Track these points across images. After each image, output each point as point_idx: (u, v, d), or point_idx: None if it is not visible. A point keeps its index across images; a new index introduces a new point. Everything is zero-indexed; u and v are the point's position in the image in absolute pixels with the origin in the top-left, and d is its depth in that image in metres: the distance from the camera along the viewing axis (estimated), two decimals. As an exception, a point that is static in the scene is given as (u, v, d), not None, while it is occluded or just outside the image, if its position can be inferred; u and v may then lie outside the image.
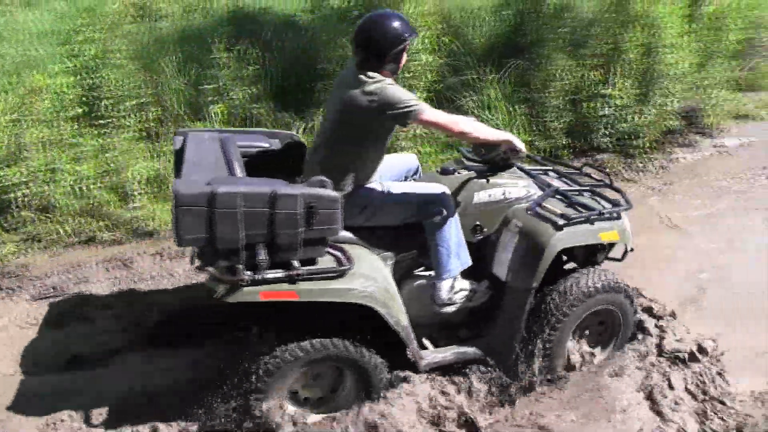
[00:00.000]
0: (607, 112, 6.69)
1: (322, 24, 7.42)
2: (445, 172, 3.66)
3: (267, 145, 3.58)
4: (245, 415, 3.01)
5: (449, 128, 3.24)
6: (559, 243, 3.40)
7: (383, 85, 3.10)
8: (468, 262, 3.47)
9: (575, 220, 3.43)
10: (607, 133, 6.80)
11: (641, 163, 6.90)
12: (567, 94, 6.72)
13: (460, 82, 6.71)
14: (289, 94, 7.08)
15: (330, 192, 2.80)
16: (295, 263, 2.81)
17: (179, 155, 3.19)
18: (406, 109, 3.08)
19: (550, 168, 4.07)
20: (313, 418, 3.22)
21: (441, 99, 6.63)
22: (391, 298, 3.13)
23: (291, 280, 2.82)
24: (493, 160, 3.57)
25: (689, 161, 7.18)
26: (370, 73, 3.14)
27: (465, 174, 3.61)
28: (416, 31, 3.38)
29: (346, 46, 6.75)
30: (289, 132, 3.92)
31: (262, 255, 2.71)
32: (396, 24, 3.16)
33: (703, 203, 6.16)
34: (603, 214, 3.52)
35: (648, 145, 7.02)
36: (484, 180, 3.58)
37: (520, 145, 3.38)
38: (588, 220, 3.48)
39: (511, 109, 6.49)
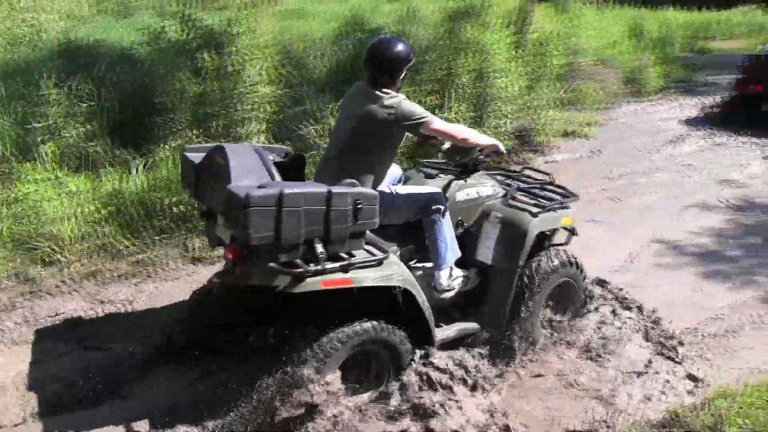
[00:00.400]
0: (445, 136, 6.97)
1: (159, 57, 7.25)
2: (429, 176, 4.23)
3: (271, 158, 3.69)
4: (303, 398, 3.21)
5: (454, 135, 3.80)
6: (536, 228, 4.05)
7: (399, 100, 3.61)
8: (459, 252, 3.95)
9: (545, 209, 4.12)
10: (446, 155, 7.08)
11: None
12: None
13: (301, 111, 6.74)
14: (126, 129, 6.85)
15: (372, 190, 3.31)
16: (343, 254, 3.19)
17: (199, 170, 3.54)
18: (420, 120, 3.60)
19: (497, 172, 4.66)
20: (361, 398, 3.57)
21: (282, 128, 6.64)
22: (415, 283, 3.56)
23: (344, 269, 3.18)
24: (464, 164, 4.05)
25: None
26: (385, 90, 3.63)
27: (445, 177, 4.18)
28: (415, 51, 3.88)
29: (184, 80, 6.64)
30: (284, 147, 4.17)
31: (320, 248, 3.06)
32: (402, 47, 3.69)
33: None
34: (562, 204, 4.25)
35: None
36: (462, 181, 4.10)
37: (503, 148, 3.99)
38: (552, 209, 4.18)
39: (353, 136, 6.60)
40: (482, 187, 4.21)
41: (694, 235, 6.38)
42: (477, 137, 3.88)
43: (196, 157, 3.64)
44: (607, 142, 9.43)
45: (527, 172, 4.84)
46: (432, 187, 4.01)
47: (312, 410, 3.24)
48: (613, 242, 6.10)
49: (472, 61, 7.28)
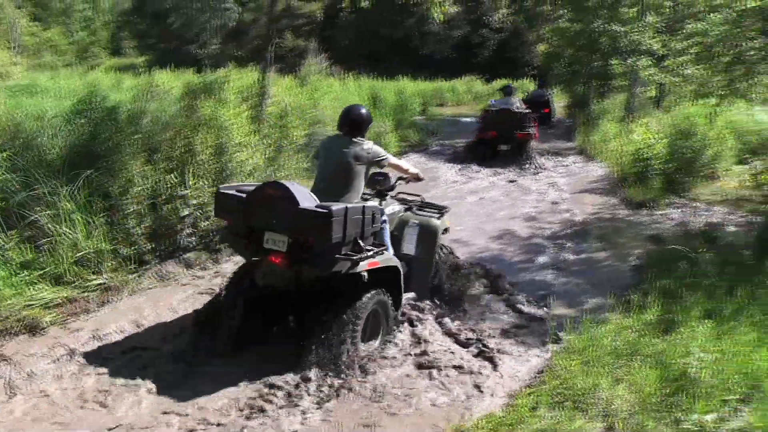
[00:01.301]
0: (187, 212, 6.91)
1: None
2: (365, 199, 5.54)
3: None
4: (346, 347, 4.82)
5: (402, 168, 5.84)
6: (441, 227, 6.15)
7: (371, 144, 5.35)
8: (393, 250, 5.53)
9: (441, 214, 6.22)
10: (191, 232, 7.01)
11: (230, 256, 7.26)
12: (146, 199, 6.79)
13: (31, 197, 6.34)
14: None
15: (378, 205, 5.37)
16: (367, 247, 4.85)
17: (247, 200, 4.87)
18: (384, 157, 5.38)
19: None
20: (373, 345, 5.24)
21: (10, 216, 6.19)
22: (401, 265, 5.41)
23: (372, 256, 4.86)
24: (381, 191, 5.84)
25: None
26: (360, 138, 5.31)
27: (375, 199, 5.78)
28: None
29: None
30: None
31: (362, 243, 4.74)
32: (365, 111, 5.48)
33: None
34: (446, 212, 6.37)
35: (232, 238, 7.39)
36: (387, 200, 5.89)
37: (423, 176, 6.12)
38: (442, 215, 6.24)
39: (90, 219, 6.33)
40: (395, 205, 6.06)
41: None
42: (411, 168, 5.95)
43: (239, 192, 5.02)
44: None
45: (401, 196, 6.37)
46: (376, 204, 5.46)
47: (355, 353, 4.85)
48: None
49: (210, 137, 7.35)
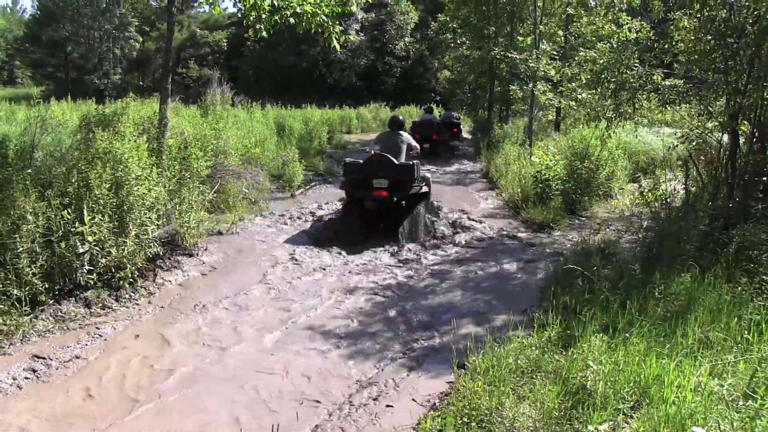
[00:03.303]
0: (84, 249, 6.62)
1: None
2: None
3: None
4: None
5: (417, 148, 10.89)
6: (431, 179, 11.14)
7: (407, 135, 10.89)
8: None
9: (429, 171, 11.92)
10: (89, 269, 6.72)
11: (132, 293, 7.02)
12: (40, 236, 6.48)
13: None
14: None
15: (413, 163, 10.08)
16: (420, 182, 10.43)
17: (365, 164, 10.10)
18: (411, 141, 10.78)
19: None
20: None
21: None
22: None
23: (423, 186, 10.37)
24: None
25: (176, 283, 7.63)
26: (401, 132, 10.87)
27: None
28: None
29: None
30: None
31: (421, 180, 10.35)
32: (402, 117, 11.64)
33: (195, 319, 6.58)
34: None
35: (134, 274, 7.16)
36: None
37: (420, 153, 11.54)
38: (429, 171, 12.07)
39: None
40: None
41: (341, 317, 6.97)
42: (418, 148, 10.94)
43: (356, 161, 10.41)
44: (253, 238, 9.86)
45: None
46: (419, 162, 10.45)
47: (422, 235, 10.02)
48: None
49: (107, 171, 7.07)
